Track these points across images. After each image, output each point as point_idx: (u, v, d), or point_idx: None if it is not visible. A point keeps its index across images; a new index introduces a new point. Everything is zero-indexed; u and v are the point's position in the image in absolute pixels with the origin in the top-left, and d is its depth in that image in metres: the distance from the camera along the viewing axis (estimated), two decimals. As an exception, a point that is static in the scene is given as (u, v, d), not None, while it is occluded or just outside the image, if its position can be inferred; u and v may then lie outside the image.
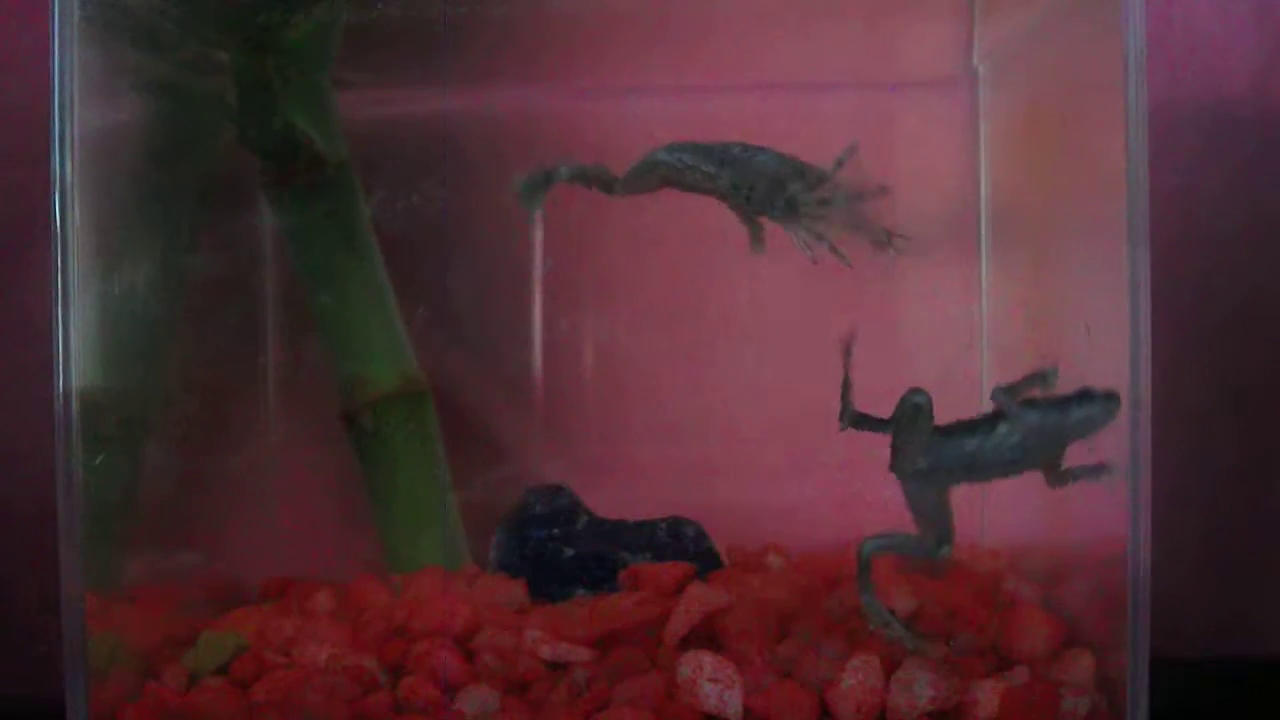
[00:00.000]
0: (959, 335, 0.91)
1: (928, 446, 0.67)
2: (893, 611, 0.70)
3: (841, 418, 0.69)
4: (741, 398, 0.92)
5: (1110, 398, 0.65)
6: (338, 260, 0.85)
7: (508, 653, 0.70)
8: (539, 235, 0.93)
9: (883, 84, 0.91)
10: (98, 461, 0.69)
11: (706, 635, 0.70)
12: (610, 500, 0.86)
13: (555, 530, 0.82)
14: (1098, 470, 0.70)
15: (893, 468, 0.68)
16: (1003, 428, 0.66)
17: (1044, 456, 0.66)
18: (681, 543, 0.81)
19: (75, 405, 0.66)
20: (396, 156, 0.88)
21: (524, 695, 0.68)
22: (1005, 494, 0.89)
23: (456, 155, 0.90)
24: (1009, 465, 0.66)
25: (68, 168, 0.67)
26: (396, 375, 0.86)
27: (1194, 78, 0.95)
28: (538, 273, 0.92)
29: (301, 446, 0.91)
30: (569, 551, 0.80)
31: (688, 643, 0.69)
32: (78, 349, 0.67)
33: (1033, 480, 0.85)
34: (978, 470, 0.67)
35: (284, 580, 0.85)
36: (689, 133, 0.91)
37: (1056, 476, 0.68)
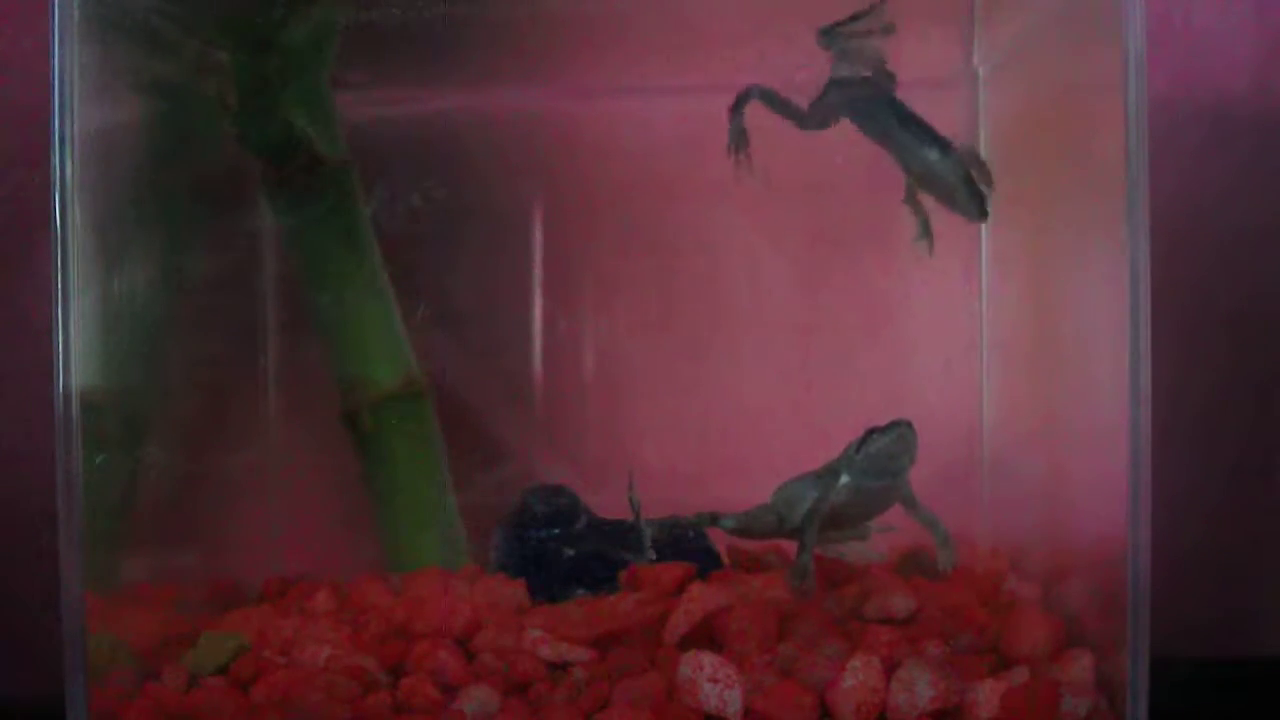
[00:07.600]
0: (959, 335, 0.91)
1: None
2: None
3: None
4: (742, 397, 0.92)
5: None
6: (338, 260, 0.85)
7: (508, 653, 0.70)
8: (539, 235, 0.93)
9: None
10: (98, 461, 0.69)
11: (706, 635, 0.70)
12: (610, 500, 0.86)
13: (555, 531, 0.82)
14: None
15: None
16: None
17: None
18: (681, 543, 0.81)
19: (75, 405, 0.66)
20: (396, 156, 0.88)
21: (524, 695, 0.68)
22: (1006, 494, 0.89)
23: (456, 155, 0.90)
24: None
25: (68, 168, 0.66)
26: (396, 375, 0.86)
27: (1194, 78, 0.94)
28: (539, 272, 0.92)
29: (301, 446, 0.91)
30: (569, 552, 0.80)
31: (688, 643, 0.69)
32: (78, 349, 0.67)
33: (1033, 481, 0.85)
34: None
35: (284, 580, 0.85)
36: (688, 132, 0.92)
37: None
